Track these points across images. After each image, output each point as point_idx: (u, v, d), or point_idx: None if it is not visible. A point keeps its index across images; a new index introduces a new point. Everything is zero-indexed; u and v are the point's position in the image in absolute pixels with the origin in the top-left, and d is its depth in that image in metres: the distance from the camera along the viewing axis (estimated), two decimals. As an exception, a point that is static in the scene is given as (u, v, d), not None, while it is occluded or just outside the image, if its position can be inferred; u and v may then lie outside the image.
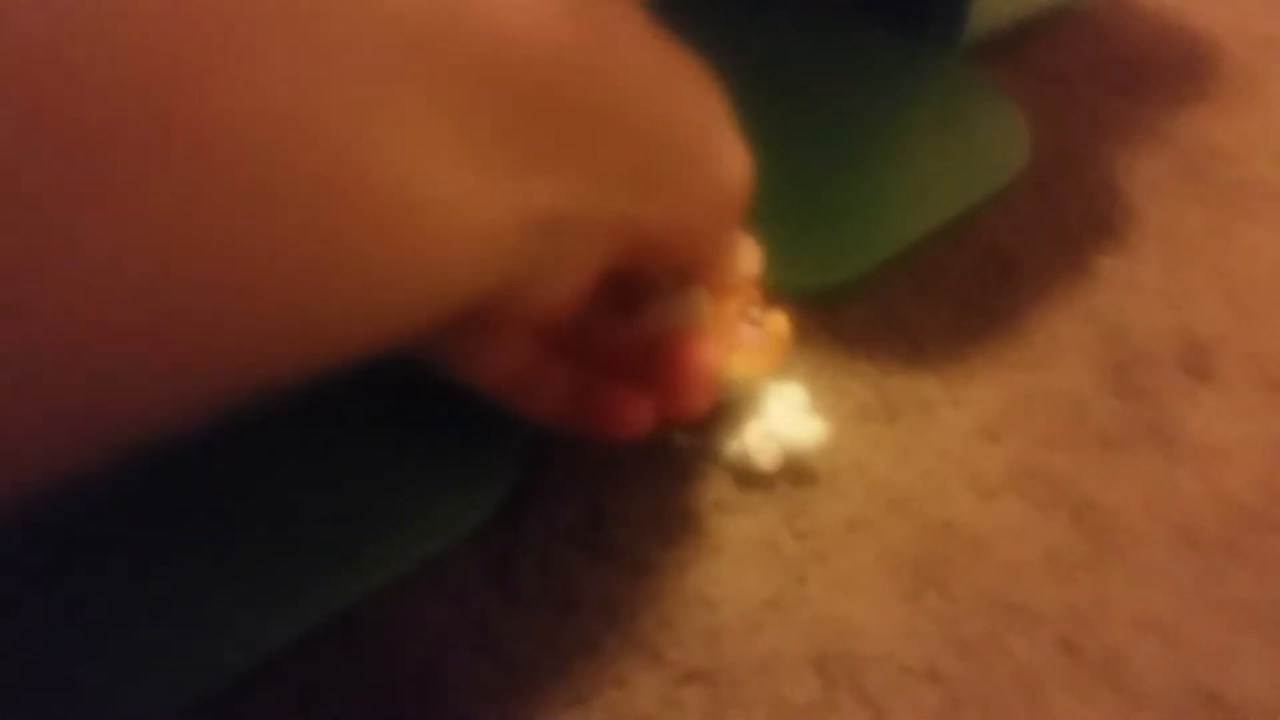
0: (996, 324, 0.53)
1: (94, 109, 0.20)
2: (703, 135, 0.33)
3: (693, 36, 0.32)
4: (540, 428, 0.40)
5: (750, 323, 0.43)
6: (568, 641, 0.39)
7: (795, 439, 0.44)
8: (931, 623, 0.40)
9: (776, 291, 0.45)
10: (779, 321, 0.44)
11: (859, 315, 0.51)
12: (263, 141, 0.22)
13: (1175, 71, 0.74)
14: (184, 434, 0.24)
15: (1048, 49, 0.73)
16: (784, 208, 0.45)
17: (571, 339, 0.38)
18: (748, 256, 0.41)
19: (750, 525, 0.43)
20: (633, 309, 0.38)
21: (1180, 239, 0.61)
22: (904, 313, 0.52)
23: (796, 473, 0.44)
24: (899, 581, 0.41)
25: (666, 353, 0.38)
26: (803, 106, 0.59)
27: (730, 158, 0.34)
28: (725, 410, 0.45)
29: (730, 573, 0.41)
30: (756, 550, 0.42)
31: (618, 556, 0.42)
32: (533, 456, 0.43)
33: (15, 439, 0.22)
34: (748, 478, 0.44)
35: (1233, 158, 0.67)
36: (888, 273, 0.53)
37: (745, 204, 0.35)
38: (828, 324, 0.50)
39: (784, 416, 0.44)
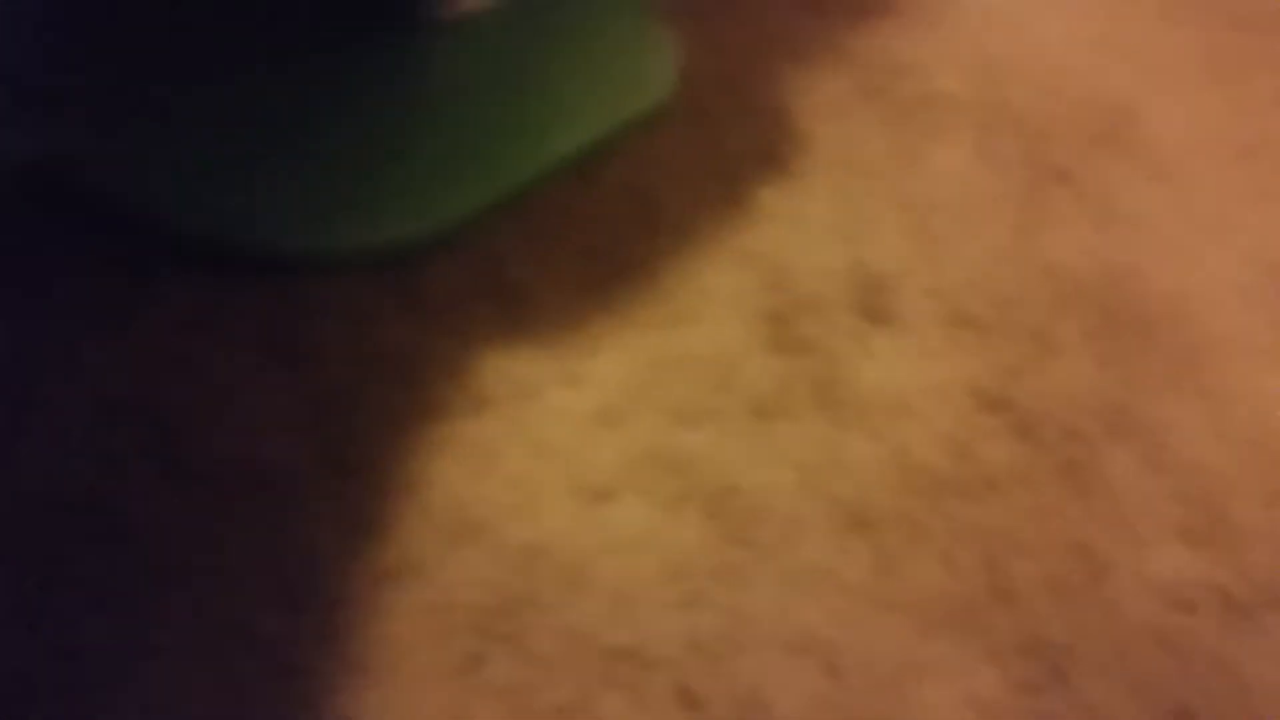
0: (630, 278, 0.41)
1: None
2: None
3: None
4: None
5: None
6: None
7: None
8: (492, 700, 0.28)
9: (339, 255, 0.32)
10: None
11: (445, 276, 0.38)
12: None
13: (858, -13, 0.64)
14: None
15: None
16: (347, 148, 0.32)
17: None
18: None
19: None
20: None
21: (856, 165, 0.50)
22: (509, 271, 0.39)
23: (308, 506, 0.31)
24: (450, 648, 0.29)
25: None
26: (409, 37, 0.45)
27: None
28: None
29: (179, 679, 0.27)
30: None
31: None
32: None
33: None
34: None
35: (919, 74, 0.57)
36: (490, 221, 0.40)
37: None
38: (404, 291, 0.37)
39: None
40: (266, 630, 0.28)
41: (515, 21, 0.50)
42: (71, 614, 0.27)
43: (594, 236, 0.42)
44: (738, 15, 0.57)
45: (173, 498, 0.30)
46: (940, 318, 0.43)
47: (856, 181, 0.49)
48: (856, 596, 0.33)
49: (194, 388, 0.32)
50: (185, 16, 0.34)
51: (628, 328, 0.39)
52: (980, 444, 0.39)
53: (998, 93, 0.55)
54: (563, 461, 0.34)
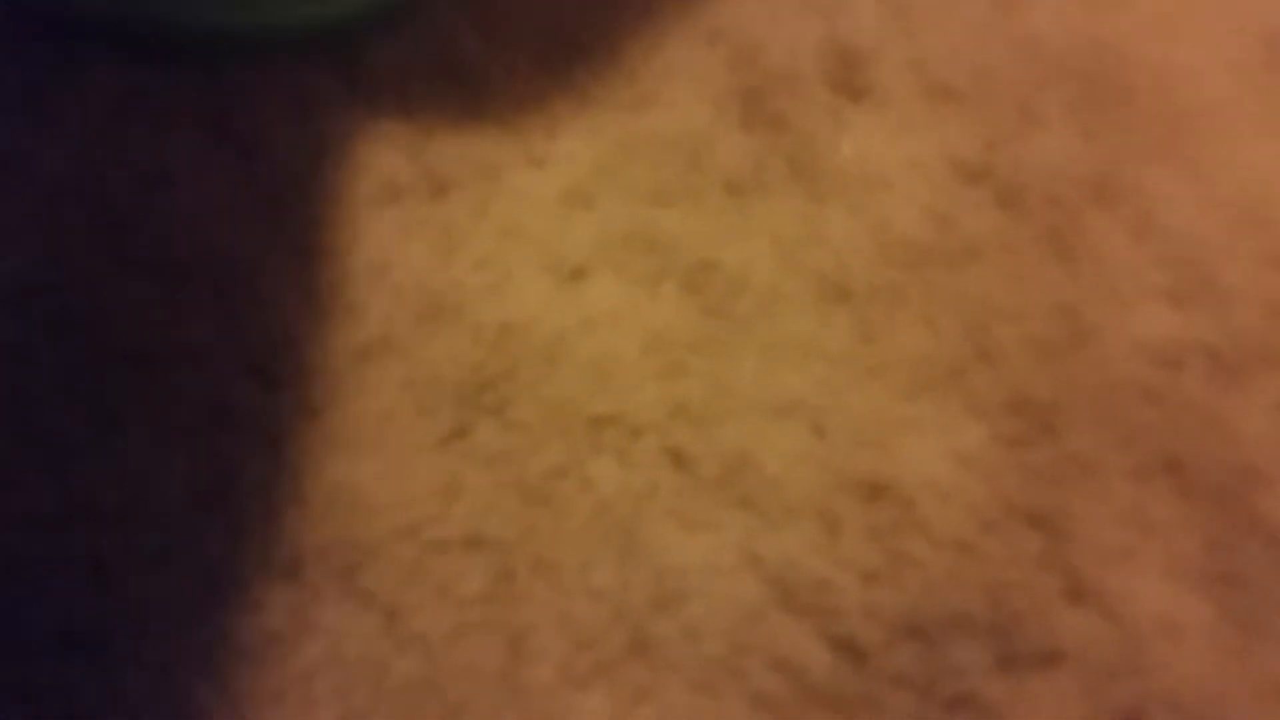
0: (590, 58, 0.41)
1: None
2: None
3: None
4: None
5: None
6: None
7: None
8: (480, 468, 0.29)
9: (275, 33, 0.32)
10: None
11: (393, 57, 0.37)
12: None
13: None
14: None
15: None
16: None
17: None
18: None
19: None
20: None
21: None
22: (460, 51, 0.39)
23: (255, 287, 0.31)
24: (434, 420, 0.30)
25: None
26: None
27: None
28: None
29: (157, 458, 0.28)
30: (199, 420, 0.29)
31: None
32: None
33: None
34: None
35: None
36: (434, 2, 0.40)
37: None
38: (348, 72, 0.37)
39: None
40: (244, 406, 0.29)
41: None
42: (39, 397, 0.28)
43: (549, 16, 0.42)
44: None
45: (128, 283, 0.30)
46: (919, 91, 0.44)
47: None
48: (839, 363, 0.34)
49: (138, 174, 0.32)
50: None
51: (591, 108, 0.40)
52: (961, 214, 0.40)
53: None
54: (533, 242, 0.35)
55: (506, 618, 0.27)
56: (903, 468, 0.32)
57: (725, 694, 0.27)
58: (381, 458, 0.29)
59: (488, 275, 0.33)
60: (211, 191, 0.32)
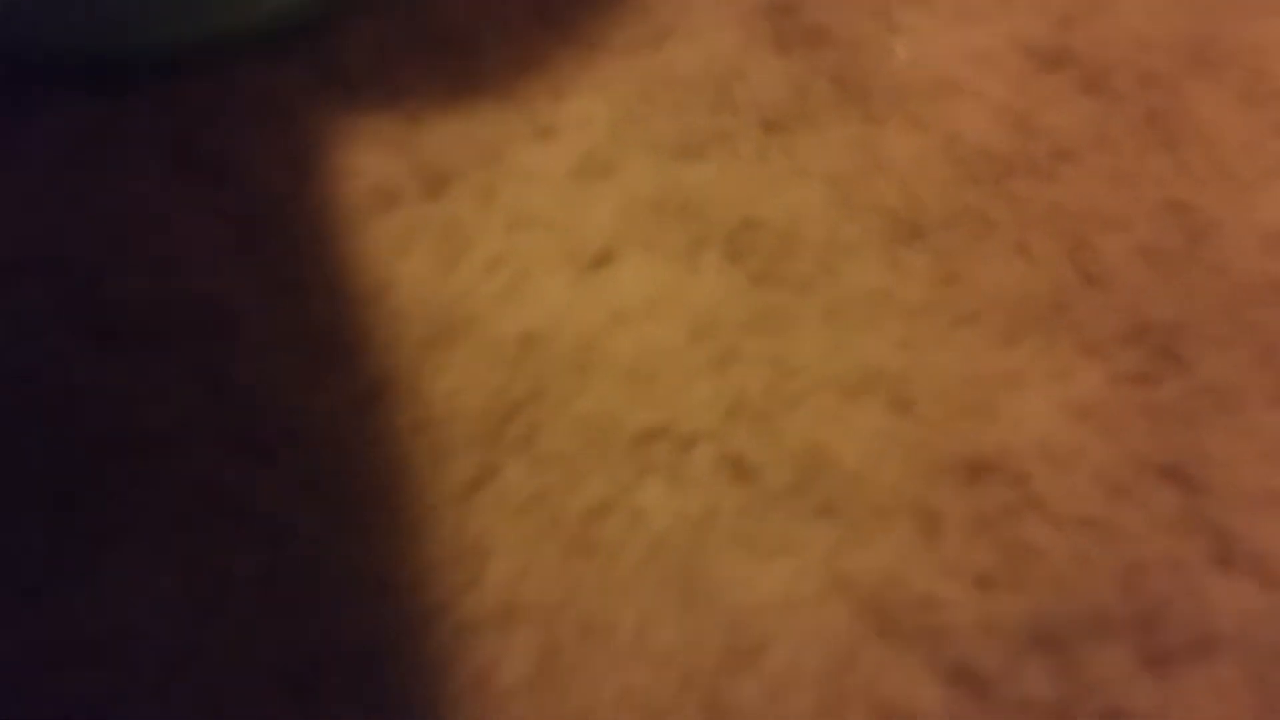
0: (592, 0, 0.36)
1: None
2: None
3: None
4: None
5: None
6: None
7: None
8: (512, 519, 0.25)
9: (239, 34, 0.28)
10: None
11: (370, 37, 0.33)
12: None
13: None
14: None
15: None
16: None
17: None
18: None
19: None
20: None
21: None
22: (444, 16, 0.34)
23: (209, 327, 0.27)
24: (454, 467, 0.26)
25: None
26: None
27: None
28: None
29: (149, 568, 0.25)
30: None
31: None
32: None
33: None
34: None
35: None
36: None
37: None
38: (322, 66, 0.32)
39: None
40: (236, 489, 0.26)
41: None
42: (19, 506, 0.25)
43: (541, -45, 0.37)
44: None
45: (100, 357, 0.27)
46: (975, -32, 0.38)
47: None
48: (920, 316, 0.30)
49: (101, 224, 0.28)
50: None
51: (601, 57, 0.35)
52: (1043, 110, 0.34)
53: None
54: (549, 229, 0.30)
55: (556, 706, 0.23)
56: (1009, 434, 0.27)
57: (825, 754, 0.23)
58: (395, 527, 0.25)
59: (501, 278, 0.29)
60: (184, 233, 0.29)
